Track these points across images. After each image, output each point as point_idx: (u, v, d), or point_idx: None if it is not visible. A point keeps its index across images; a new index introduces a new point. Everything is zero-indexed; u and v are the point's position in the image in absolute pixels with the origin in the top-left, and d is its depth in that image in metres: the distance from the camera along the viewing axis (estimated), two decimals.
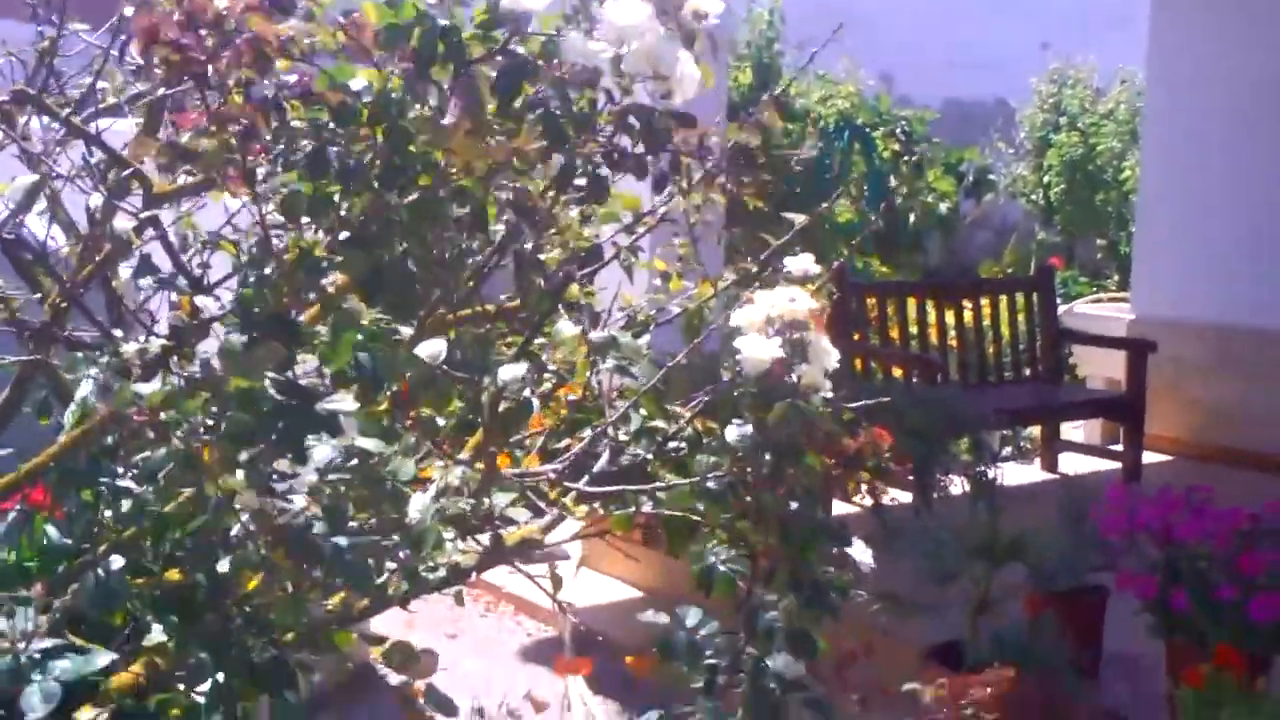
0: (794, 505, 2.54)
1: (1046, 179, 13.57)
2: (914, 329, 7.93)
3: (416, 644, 5.86)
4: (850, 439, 2.82)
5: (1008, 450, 8.74)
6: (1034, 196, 14.01)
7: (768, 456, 2.51)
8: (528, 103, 2.15)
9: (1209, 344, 8.54)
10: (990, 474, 5.64)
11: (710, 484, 2.53)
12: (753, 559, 2.54)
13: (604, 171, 2.29)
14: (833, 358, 2.55)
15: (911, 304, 8.17)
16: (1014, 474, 8.11)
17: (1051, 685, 4.58)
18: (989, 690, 2.84)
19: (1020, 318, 8.28)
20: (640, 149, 2.30)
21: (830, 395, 2.62)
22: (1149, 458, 8.29)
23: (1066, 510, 5.00)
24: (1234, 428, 8.41)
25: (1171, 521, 4.57)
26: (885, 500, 5.92)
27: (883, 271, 10.85)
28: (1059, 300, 10.96)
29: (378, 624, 5.85)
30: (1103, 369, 8.80)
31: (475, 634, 6.22)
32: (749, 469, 2.51)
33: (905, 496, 6.13)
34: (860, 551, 2.83)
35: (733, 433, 2.55)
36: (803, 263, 2.90)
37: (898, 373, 7.45)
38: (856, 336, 7.54)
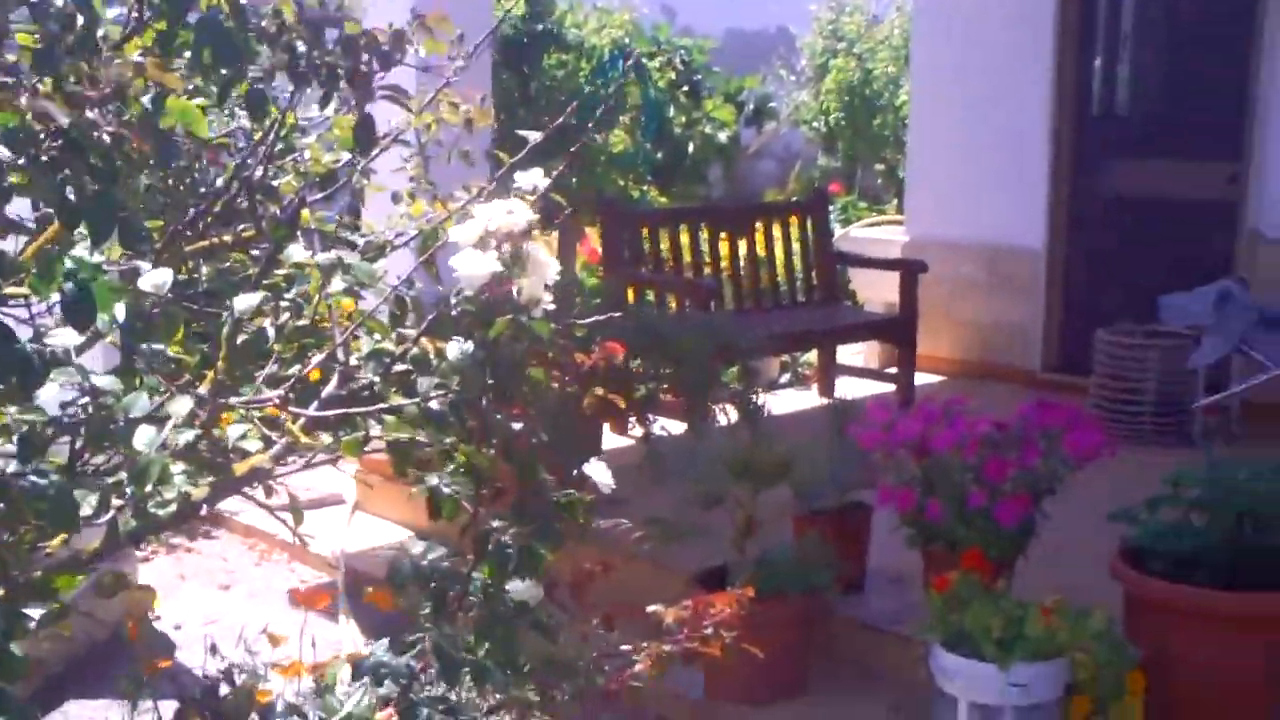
0: (520, 426, 2.52)
1: (826, 105, 13.72)
2: (700, 257, 7.98)
3: (188, 595, 5.76)
4: (584, 355, 2.82)
5: (786, 376, 8.87)
6: (815, 123, 14.16)
7: (490, 374, 2.48)
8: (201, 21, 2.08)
9: (978, 264, 8.74)
10: (758, 398, 5.68)
11: (433, 405, 2.49)
12: (480, 482, 2.52)
13: (260, 87, 2.23)
14: (552, 270, 2.53)
15: (697, 234, 8.20)
16: (791, 400, 8.24)
17: (815, 602, 4.67)
18: (729, 609, 2.86)
19: (795, 243, 8.37)
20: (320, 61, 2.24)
21: (555, 310, 2.60)
22: (924, 379, 8.48)
23: (830, 430, 5.08)
24: (1003, 344, 8.64)
25: (928, 434, 4.67)
26: (656, 430, 5.95)
27: (662, 202, 10.88)
28: (838, 225, 11.17)
29: (150, 578, 5.77)
30: (881, 292, 8.95)
31: (250, 583, 6.13)
32: (472, 388, 2.49)
33: (680, 427, 6.16)
34: (599, 472, 2.83)
35: (454, 350, 2.51)
36: (532, 177, 2.87)
37: (673, 303, 7.47)
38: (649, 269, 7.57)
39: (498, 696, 2.75)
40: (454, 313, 2.54)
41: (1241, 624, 4.01)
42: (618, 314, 2.96)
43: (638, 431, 6.08)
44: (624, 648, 2.86)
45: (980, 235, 8.73)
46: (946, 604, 4.12)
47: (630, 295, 7.60)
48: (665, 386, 6.27)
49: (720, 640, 2.85)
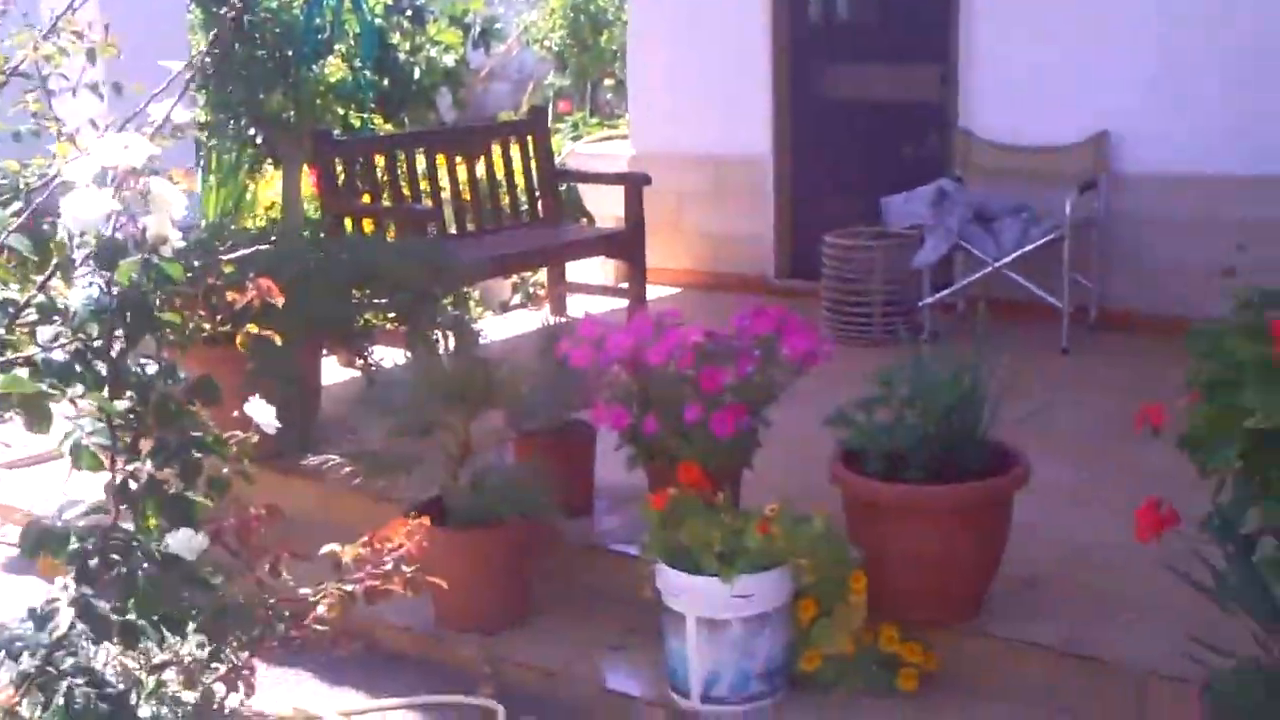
0: (154, 369, 2.33)
1: (553, 23, 13.53)
2: (422, 183, 7.75)
3: None
4: (236, 291, 2.62)
5: (517, 298, 8.72)
6: (546, 42, 13.97)
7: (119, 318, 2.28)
8: None
9: (705, 174, 8.68)
10: (473, 322, 5.54)
11: (56, 355, 2.29)
12: (115, 430, 2.32)
13: None
14: (179, 205, 2.33)
15: (413, 160, 7.97)
16: (521, 321, 8.11)
17: (534, 526, 4.56)
18: (408, 543, 2.71)
19: (517, 164, 8.20)
20: None
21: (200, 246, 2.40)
22: (660, 291, 8.43)
23: (543, 349, 4.96)
24: (735, 254, 8.62)
25: (641, 349, 4.57)
26: (375, 360, 5.77)
27: (387, 130, 10.59)
28: (570, 143, 11.03)
29: None
30: (612, 208, 8.80)
31: None
32: (99, 335, 2.29)
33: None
34: (259, 411, 2.65)
35: (77, 296, 2.31)
36: (164, 109, 2.66)
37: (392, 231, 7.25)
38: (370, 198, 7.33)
39: (161, 656, 2.58)
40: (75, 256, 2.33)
41: (948, 514, 4.01)
42: (267, 245, 2.76)
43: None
44: (303, 591, 2.70)
45: (705, 146, 8.67)
46: (664, 521, 4.04)
47: (350, 226, 7.36)
48: (390, 316, 6.09)
49: (402, 576, 2.70)
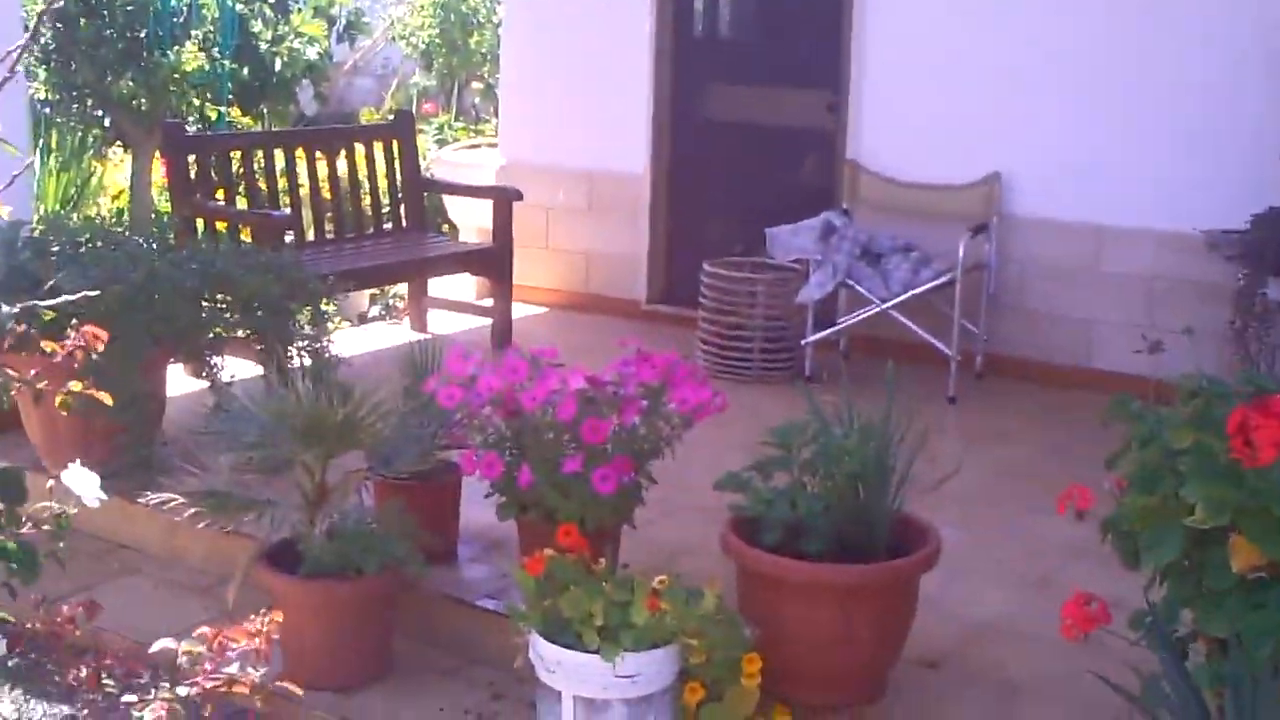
0: None
1: (422, 20, 13.06)
2: (281, 184, 7.26)
3: None
4: (55, 344, 2.18)
5: (376, 309, 8.27)
6: (413, 39, 13.50)
7: None
8: None
9: (578, 190, 8.31)
10: (329, 346, 5.10)
11: None
12: None
13: None
14: None
15: (272, 159, 7.46)
16: (380, 335, 7.67)
17: (392, 577, 4.14)
18: (256, 641, 2.30)
19: (380, 169, 7.75)
20: None
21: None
22: (526, 310, 8.04)
23: (408, 383, 4.54)
24: (608, 275, 8.26)
25: (517, 390, 4.17)
26: (223, 375, 5.28)
27: (245, 123, 10.05)
28: (434, 147, 10.58)
29: None
30: (478, 220, 8.39)
31: None
32: None
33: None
34: (80, 482, 2.21)
35: None
36: None
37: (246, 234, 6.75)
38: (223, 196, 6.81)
39: None
40: None
41: (853, 595, 3.67)
42: (96, 291, 2.32)
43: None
44: (127, 699, 2.27)
45: (579, 159, 8.28)
46: (541, 588, 3.65)
47: (202, 227, 6.86)
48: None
49: (249, 680, 2.28)
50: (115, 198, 9.75)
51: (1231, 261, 6.02)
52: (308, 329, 5.30)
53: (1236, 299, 5.86)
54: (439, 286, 8.00)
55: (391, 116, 9.71)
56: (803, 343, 6.87)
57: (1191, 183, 6.61)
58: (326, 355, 5.10)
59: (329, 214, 7.47)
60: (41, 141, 9.14)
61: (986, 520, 5.12)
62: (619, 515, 4.16)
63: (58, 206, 9.03)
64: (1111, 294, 6.88)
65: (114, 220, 9.25)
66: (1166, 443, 3.09)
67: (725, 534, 3.79)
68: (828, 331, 6.94)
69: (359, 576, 4.07)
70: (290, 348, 5.22)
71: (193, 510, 4.15)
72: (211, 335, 5.31)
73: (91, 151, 9.59)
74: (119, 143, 9.91)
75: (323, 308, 5.50)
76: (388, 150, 7.68)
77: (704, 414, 4.16)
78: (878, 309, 6.72)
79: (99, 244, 5.30)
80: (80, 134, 9.44)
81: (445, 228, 9.38)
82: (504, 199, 7.50)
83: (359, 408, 4.10)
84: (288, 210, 7.35)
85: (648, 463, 4.19)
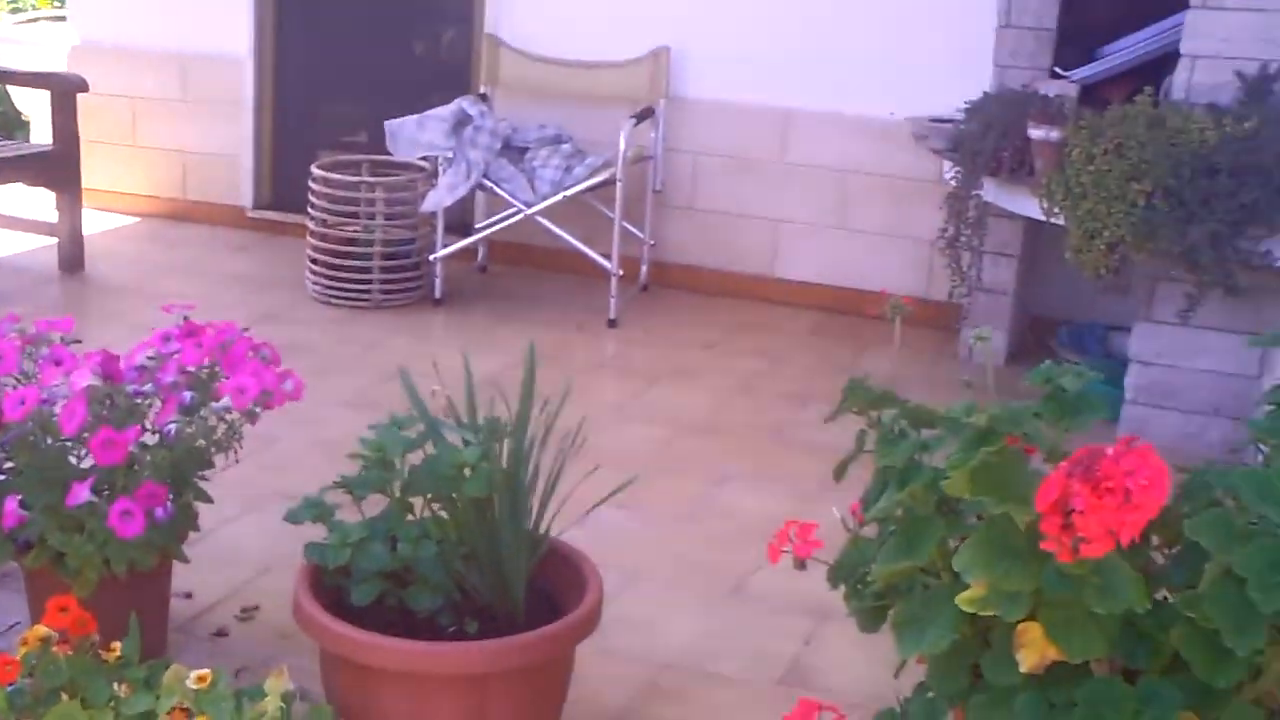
0: None
1: None
2: None
3: None
4: None
5: None
6: None
7: None
8: None
9: (170, 77, 6.92)
10: None
11: None
12: None
13: None
14: None
15: None
16: None
17: None
18: None
19: None
20: None
21: None
22: (115, 221, 6.73)
23: None
24: (208, 177, 6.95)
25: None
26: None
27: None
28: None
29: None
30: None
31: None
32: None
33: None
34: None
35: None
36: None
37: None
38: None
39: None
40: None
41: (481, 681, 2.56)
42: None
43: None
44: None
45: (170, 41, 6.87)
46: (11, 704, 2.45)
47: None
48: None
49: None
50: None
51: (941, 156, 5.10)
52: None
53: (949, 202, 4.93)
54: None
55: None
56: (431, 258, 5.71)
57: (896, 59, 5.67)
58: None
59: None
60: None
61: (663, 497, 4.06)
62: (159, 554, 2.97)
63: None
64: (800, 191, 5.92)
65: None
66: (936, 482, 2.09)
67: (297, 595, 2.63)
68: (462, 243, 5.80)
69: None
70: None
71: None
72: None
73: None
74: None
75: None
76: None
77: (272, 404, 2.99)
78: (522, 215, 5.60)
79: None
80: None
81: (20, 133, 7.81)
82: (65, 89, 6.05)
83: None
84: None
85: (195, 476, 3.00)
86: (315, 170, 5.74)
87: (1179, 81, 4.50)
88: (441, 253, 5.70)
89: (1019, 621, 1.99)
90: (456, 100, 5.75)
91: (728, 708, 3.04)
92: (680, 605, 3.47)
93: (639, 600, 3.48)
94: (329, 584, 2.66)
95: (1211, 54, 4.44)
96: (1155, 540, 2.21)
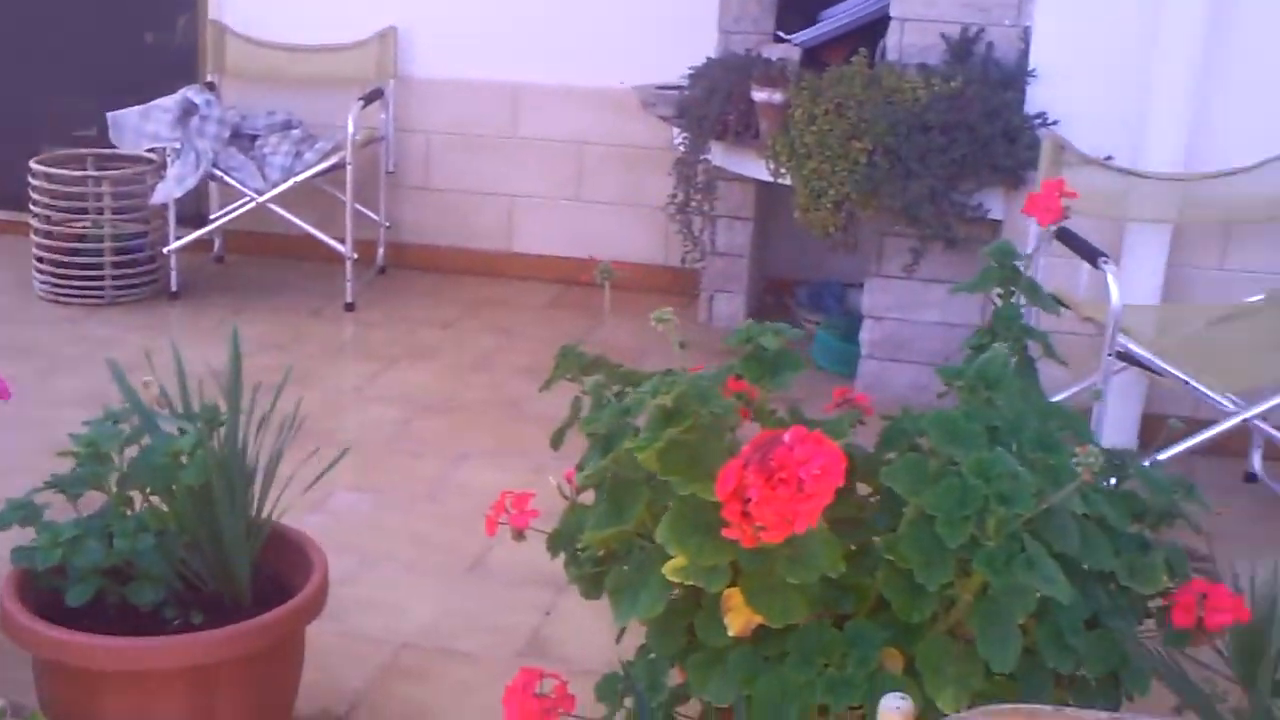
0: None
1: None
2: None
3: None
4: None
5: None
6: None
7: None
8: None
9: None
10: None
11: None
12: None
13: None
14: None
15: None
16: None
17: None
18: None
19: None
20: None
21: None
22: None
23: None
24: None
25: None
26: None
27: None
28: None
29: None
30: None
31: None
32: None
33: None
34: None
35: None
36: None
37: None
38: None
39: None
40: None
41: (206, 673, 2.52)
42: None
43: None
44: None
45: None
46: None
47: None
48: None
49: None
50: None
51: (669, 123, 5.16)
52: None
53: (677, 168, 4.99)
54: None
55: None
56: (165, 251, 5.59)
57: (624, 29, 5.71)
58: None
59: None
60: None
61: (402, 477, 4.06)
62: None
63: None
64: (535, 165, 5.94)
65: None
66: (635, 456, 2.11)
67: (3, 604, 2.54)
68: (196, 234, 5.68)
69: None
70: None
71: None
72: None
73: None
74: None
75: None
76: None
77: None
78: (254, 203, 5.52)
79: None
80: None
81: None
82: None
83: None
84: None
85: None
86: (35, 166, 5.56)
87: (891, 43, 4.63)
88: (175, 245, 5.57)
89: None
90: (181, 90, 5.61)
91: (468, 683, 3.06)
92: (421, 585, 3.48)
93: (379, 581, 3.47)
94: (44, 587, 2.59)
95: (917, 17, 4.58)
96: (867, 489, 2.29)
